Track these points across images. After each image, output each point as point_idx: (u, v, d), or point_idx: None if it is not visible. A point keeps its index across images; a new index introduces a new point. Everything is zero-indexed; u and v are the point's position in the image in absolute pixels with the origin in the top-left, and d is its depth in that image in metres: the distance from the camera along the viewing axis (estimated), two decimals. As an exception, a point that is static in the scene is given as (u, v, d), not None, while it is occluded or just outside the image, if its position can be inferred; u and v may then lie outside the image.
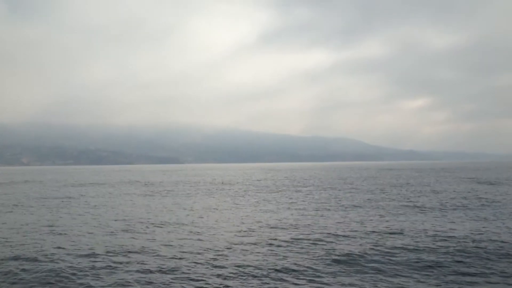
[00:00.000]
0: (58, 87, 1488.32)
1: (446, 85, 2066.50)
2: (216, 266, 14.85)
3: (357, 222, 23.65)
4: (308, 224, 23.13)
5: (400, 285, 12.80)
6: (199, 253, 16.67)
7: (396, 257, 15.63)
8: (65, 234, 21.57)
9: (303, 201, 36.25)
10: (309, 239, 18.91)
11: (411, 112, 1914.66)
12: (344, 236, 19.63)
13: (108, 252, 17.13)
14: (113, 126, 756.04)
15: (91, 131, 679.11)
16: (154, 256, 16.39)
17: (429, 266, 14.51)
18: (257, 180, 77.79)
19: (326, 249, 16.87)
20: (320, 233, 20.37)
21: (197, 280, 13.42)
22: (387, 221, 24.04)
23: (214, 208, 31.87)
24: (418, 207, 30.46)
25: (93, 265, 15.23)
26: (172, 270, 14.45)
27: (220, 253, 16.68)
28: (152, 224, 24.29)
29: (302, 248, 17.31)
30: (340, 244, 17.89)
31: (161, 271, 14.40)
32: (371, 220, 24.41)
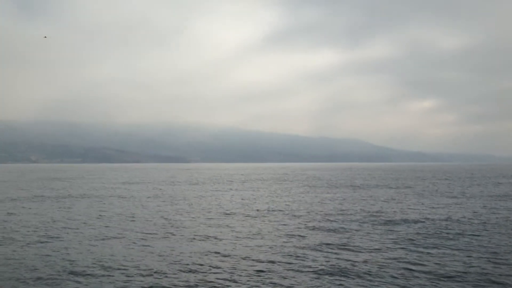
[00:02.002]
0: (65, 86, 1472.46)
1: (453, 87, 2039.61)
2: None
3: None
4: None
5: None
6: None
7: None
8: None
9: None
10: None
11: (419, 114, 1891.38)
12: None
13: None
14: (119, 124, 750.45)
15: (97, 130, 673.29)
16: None
17: None
18: (318, 179, 72.92)
19: None
20: None
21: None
22: None
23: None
24: None
25: None
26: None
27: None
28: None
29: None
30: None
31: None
32: None
